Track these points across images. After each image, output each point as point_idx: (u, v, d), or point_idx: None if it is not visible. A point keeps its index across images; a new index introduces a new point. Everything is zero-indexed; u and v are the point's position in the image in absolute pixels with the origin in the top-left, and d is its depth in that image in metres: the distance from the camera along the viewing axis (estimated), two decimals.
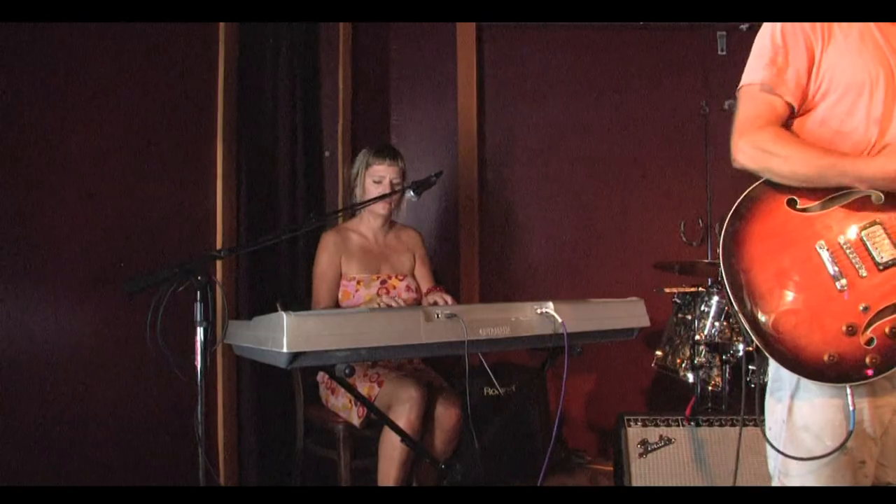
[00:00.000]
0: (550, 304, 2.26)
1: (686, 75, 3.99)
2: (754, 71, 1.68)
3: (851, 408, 1.54)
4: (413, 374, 2.72)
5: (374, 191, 2.84)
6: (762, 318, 1.57)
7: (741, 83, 1.71)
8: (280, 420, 3.08)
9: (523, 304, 2.28)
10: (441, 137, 4.15)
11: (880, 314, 1.53)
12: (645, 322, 2.44)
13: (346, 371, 2.00)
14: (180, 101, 2.70)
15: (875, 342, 1.52)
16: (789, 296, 1.57)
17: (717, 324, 3.15)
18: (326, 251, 2.84)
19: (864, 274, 1.55)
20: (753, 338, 1.56)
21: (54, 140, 2.23)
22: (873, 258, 1.55)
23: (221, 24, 2.83)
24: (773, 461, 1.69)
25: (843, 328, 1.53)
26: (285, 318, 1.93)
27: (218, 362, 2.80)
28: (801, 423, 1.62)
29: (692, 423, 2.66)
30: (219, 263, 2.76)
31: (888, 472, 1.65)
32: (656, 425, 2.68)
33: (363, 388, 2.65)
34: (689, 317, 3.26)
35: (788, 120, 1.68)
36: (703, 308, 3.21)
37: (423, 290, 2.97)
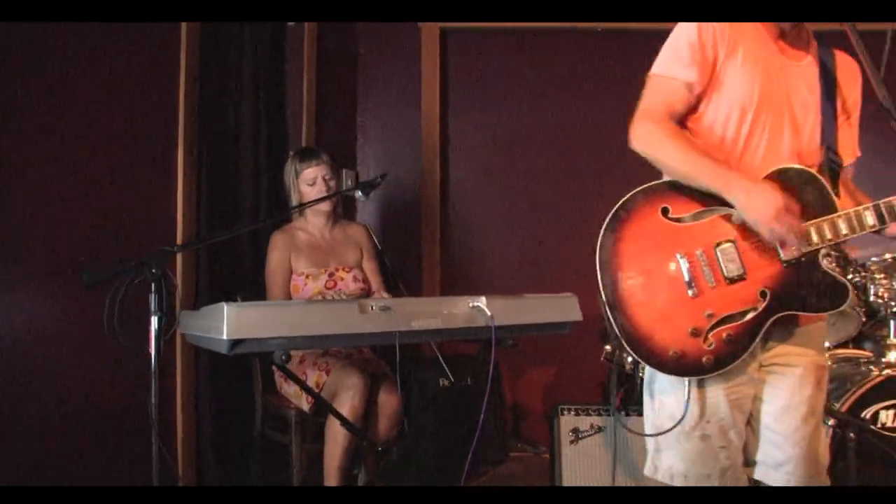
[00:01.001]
0: (483, 299, 2.41)
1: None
2: (664, 62, 1.82)
3: (685, 398, 1.74)
4: (359, 363, 2.87)
5: (311, 193, 3.01)
6: (625, 311, 1.74)
7: (651, 71, 1.84)
8: (240, 407, 3.23)
9: (457, 298, 2.43)
10: (406, 137, 4.30)
11: (721, 321, 1.71)
12: (577, 317, 2.56)
13: (283, 357, 2.15)
14: (142, 101, 2.82)
15: (713, 345, 1.70)
16: (648, 295, 1.74)
17: None
18: (275, 250, 3.00)
19: (713, 284, 1.72)
20: (615, 328, 1.73)
21: (17, 140, 2.37)
22: (722, 272, 1.72)
23: (183, 25, 2.94)
24: (650, 442, 1.88)
25: (689, 330, 1.71)
26: (226, 308, 2.07)
27: (177, 351, 2.94)
28: (665, 410, 1.82)
29: (622, 413, 2.82)
30: (179, 258, 2.90)
31: (752, 450, 1.85)
32: (588, 414, 2.84)
33: (312, 376, 2.81)
34: None
35: (686, 116, 1.83)
36: None
37: (372, 281, 3.12)
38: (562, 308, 2.62)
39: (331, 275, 3.02)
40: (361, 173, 4.29)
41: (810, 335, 1.84)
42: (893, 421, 2.65)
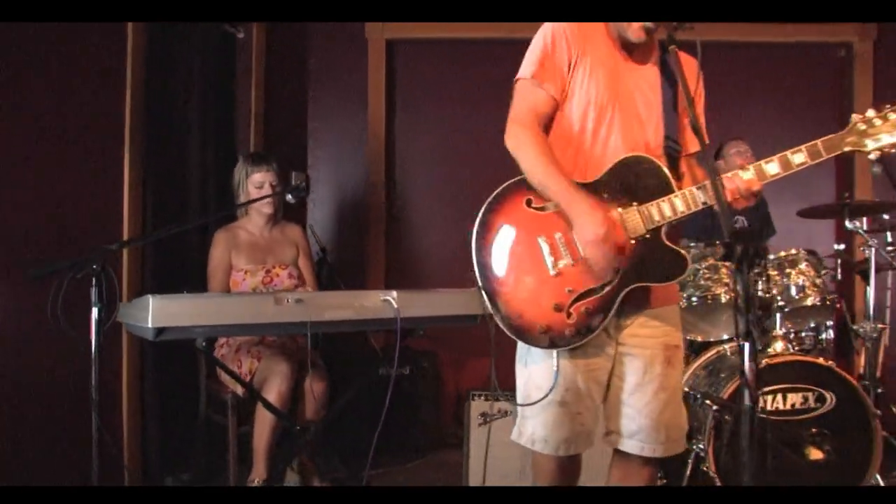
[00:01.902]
0: (394, 293, 2.64)
1: None
2: (527, 66, 2.06)
3: (555, 368, 1.97)
4: (289, 351, 3.11)
5: (257, 196, 3.25)
6: (497, 292, 1.99)
7: (517, 76, 2.09)
8: (186, 392, 3.47)
9: (370, 292, 2.67)
10: (354, 142, 4.56)
11: (581, 296, 1.94)
12: (480, 310, 2.80)
13: (203, 344, 2.40)
14: (89, 100, 3.00)
15: (574, 318, 1.93)
16: (517, 276, 1.98)
17: None
18: (217, 247, 3.25)
19: (571, 263, 1.95)
20: (490, 308, 1.98)
21: None
22: (578, 251, 1.94)
23: (129, 25, 3.13)
24: (518, 410, 2.12)
25: (553, 305, 1.94)
26: (151, 300, 2.32)
27: (123, 340, 3.17)
28: (532, 381, 2.06)
29: None
30: (126, 253, 3.14)
31: (611, 422, 2.10)
32: (497, 399, 3.09)
33: (246, 363, 3.06)
34: None
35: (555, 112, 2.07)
36: None
37: (306, 278, 3.38)
38: (470, 301, 2.86)
39: (267, 271, 3.27)
40: (312, 176, 4.54)
41: (662, 318, 2.06)
42: (772, 405, 2.92)
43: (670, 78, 2.08)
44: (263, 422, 2.91)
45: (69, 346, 2.63)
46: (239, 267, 3.25)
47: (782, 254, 3.26)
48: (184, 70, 3.57)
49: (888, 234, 3.41)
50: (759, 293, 3.14)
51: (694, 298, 3.13)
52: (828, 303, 3.18)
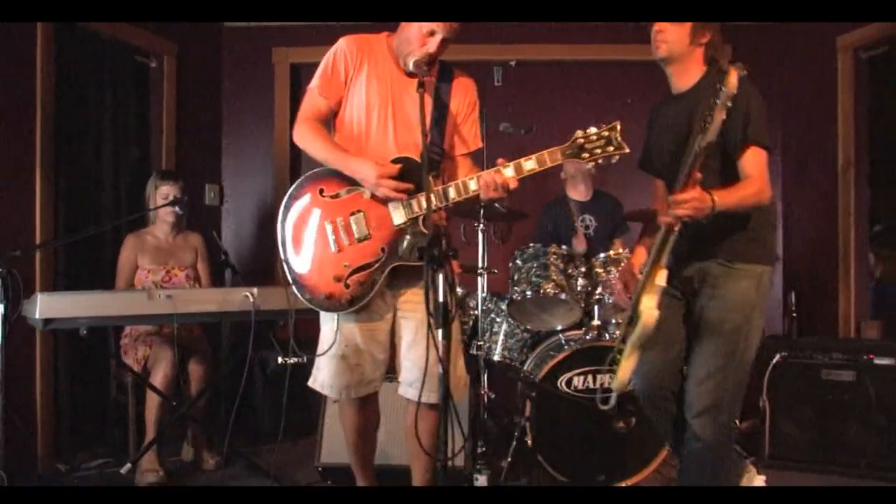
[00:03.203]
0: (255, 290, 3.18)
1: None
2: (315, 78, 2.52)
3: (335, 328, 2.49)
4: (175, 339, 3.61)
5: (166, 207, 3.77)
6: (293, 265, 2.49)
7: (310, 84, 2.53)
8: (98, 377, 3.98)
9: (235, 289, 3.23)
10: (262, 156, 5.09)
11: (355, 270, 2.43)
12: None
13: (84, 332, 2.92)
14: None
15: (350, 288, 2.43)
16: (307, 253, 2.48)
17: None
18: (125, 249, 3.77)
19: (348, 243, 2.44)
20: (288, 279, 2.48)
21: None
22: (354, 233, 2.44)
23: (39, 36, 3.60)
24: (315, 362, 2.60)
25: (333, 277, 2.44)
26: (39, 296, 2.86)
27: (37, 334, 3.64)
28: (323, 337, 2.57)
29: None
30: (38, 256, 3.63)
31: (399, 374, 2.59)
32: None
33: (141, 350, 3.58)
34: None
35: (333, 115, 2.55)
36: None
37: (203, 279, 3.90)
38: None
39: (167, 272, 3.78)
40: (226, 186, 5.08)
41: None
42: (583, 384, 3.44)
43: (443, 92, 2.56)
44: (152, 399, 3.43)
45: None
46: (144, 266, 3.76)
47: (611, 253, 3.78)
48: (94, 87, 4.06)
49: None
50: (586, 288, 3.65)
51: (528, 293, 3.64)
52: None
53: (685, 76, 2.50)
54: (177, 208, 3.61)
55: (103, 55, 4.10)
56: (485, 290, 3.74)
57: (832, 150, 4.58)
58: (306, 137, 2.52)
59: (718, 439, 2.46)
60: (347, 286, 2.44)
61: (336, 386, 2.56)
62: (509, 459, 3.40)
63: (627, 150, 2.29)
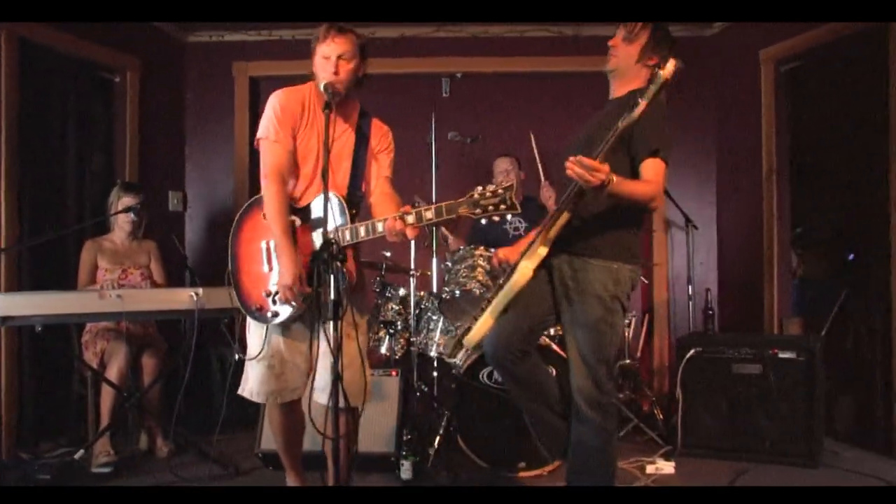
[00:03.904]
0: (200, 290, 3.47)
1: (417, 113, 4.77)
2: (264, 129, 2.73)
3: (264, 338, 2.75)
4: (130, 335, 3.90)
5: (124, 216, 4.07)
6: (237, 279, 2.77)
7: (258, 135, 2.74)
8: (62, 371, 4.27)
9: (182, 289, 3.51)
10: (224, 164, 5.38)
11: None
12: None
13: (39, 329, 3.20)
14: None
15: (277, 304, 2.69)
16: (247, 268, 2.76)
17: (392, 306, 4.36)
18: (85, 252, 4.07)
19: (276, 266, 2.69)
20: (233, 287, 2.76)
21: None
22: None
23: (2, 47, 3.86)
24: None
25: (264, 292, 2.71)
26: None
27: (2, 332, 3.92)
28: (251, 345, 2.82)
29: None
30: (3, 257, 3.91)
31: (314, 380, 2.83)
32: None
33: (99, 345, 3.87)
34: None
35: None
36: (387, 295, 4.41)
37: (157, 279, 4.19)
38: None
39: (124, 271, 4.08)
40: (189, 193, 5.37)
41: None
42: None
43: (362, 136, 2.86)
44: (107, 391, 3.72)
45: None
46: (102, 267, 4.06)
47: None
48: (58, 102, 4.34)
49: None
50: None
51: (456, 292, 3.92)
52: None
53: (623, 88, 2.75)
54: (132, 215, 3.91)
55: (68, 71, 4.39)
56: (413, 291, 4.13)
57: (759, 158, 4.89)
58: (269, 201, 2.68)
59: (601, 409, 2.72)
60: (275, 302, 2.70)
61: (262, 392, 2.80)
62: (435, 447, 3.69)
63: (518, 210, 2.42)
